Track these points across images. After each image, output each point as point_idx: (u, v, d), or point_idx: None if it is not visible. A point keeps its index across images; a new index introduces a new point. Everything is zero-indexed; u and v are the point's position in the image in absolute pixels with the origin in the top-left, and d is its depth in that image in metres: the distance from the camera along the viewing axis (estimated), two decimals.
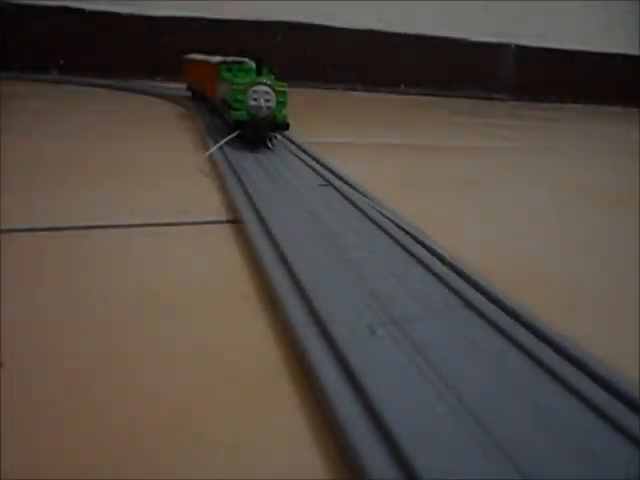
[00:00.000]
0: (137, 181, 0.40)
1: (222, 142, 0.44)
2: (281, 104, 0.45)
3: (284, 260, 0.24)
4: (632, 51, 1.78)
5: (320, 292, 0.21)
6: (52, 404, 0.15)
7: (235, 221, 0.32)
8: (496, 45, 1.64)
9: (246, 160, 0.42)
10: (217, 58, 0.63)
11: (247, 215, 0.30)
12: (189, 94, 0.91)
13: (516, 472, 0.13)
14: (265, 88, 0.44)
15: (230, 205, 0.34)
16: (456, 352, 0.18)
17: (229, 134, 0.45)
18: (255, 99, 0.44)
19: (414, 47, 1.53)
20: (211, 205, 0.35)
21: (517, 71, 1.69)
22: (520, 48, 1.67)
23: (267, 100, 0.44)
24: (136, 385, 0.17)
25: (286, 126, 0.46)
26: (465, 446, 0.14)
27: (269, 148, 0.46)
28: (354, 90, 1.49)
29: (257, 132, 0.45)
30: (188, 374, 0.17)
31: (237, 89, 0.44)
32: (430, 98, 1.51)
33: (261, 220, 0.29)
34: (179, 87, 1.13)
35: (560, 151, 0.72)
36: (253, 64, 0.53)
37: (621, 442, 0.14)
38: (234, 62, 0.57)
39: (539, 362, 0.17)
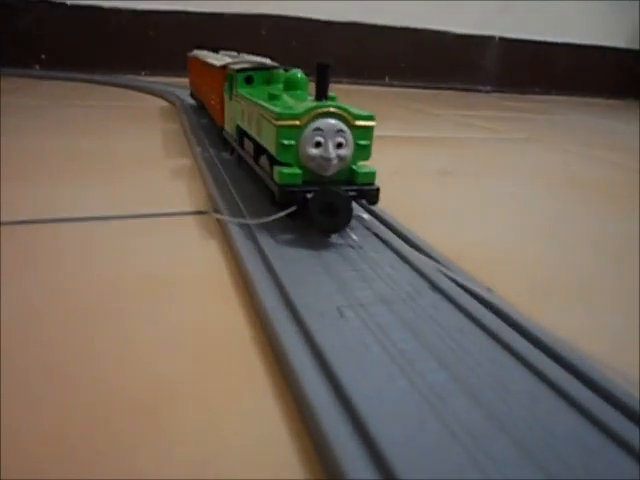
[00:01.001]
0: (116, 175, 0.40)
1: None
2: (363, 151, 0.26)
3: (260, 251, 0.25)
4: (614, 43, 1.81)
5: (292, 278, 0.22)
6: (29, 384, 0.16)
7: (214, 212, 0.32)
8: (480, 37, 1.65)
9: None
10: (227, 58, 0.47)
11: (221, 206, 0.31)
12: (176, 92, 0.90)
13: (471, 440, 0.14)
14: (336, 123, 0.25)
15: (208, 196, 0.35)
16: (419, 331, 0.19)
17: (270, 209, 0.27)
18: (319, 144, 0.25)
19: (398, 39, 1.54)
20: (190, 197, 0.35)
21: (501, 63, 1.71)
22: (504, 40, 1.69)
23: (340, 145, 0.25)
24: (109, 368, 0.17)
25: (374, 195, 0.26)
26: (424, 417, 0.15)
27: (352, 244, 0.26)
28: (339, 82, 1.49)
29: (327, 211, 0.24)
30: (161, 357, 0.18)
31: (283, 127, 0.25)
32: (414, 90, 1.52)
33: (237, 208, 0.30)
34: (164, 81, 1.12)
35: (539, 142, 0.74)
36: (283, 69, 0.37)
37: (568, 410, 0.15)
38: (256, 68, 0.36)
39: (497, 339, 0.18)
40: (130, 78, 1.18)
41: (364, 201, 0.27)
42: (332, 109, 0.25)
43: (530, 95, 1.72)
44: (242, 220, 0.27)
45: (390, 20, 1.51)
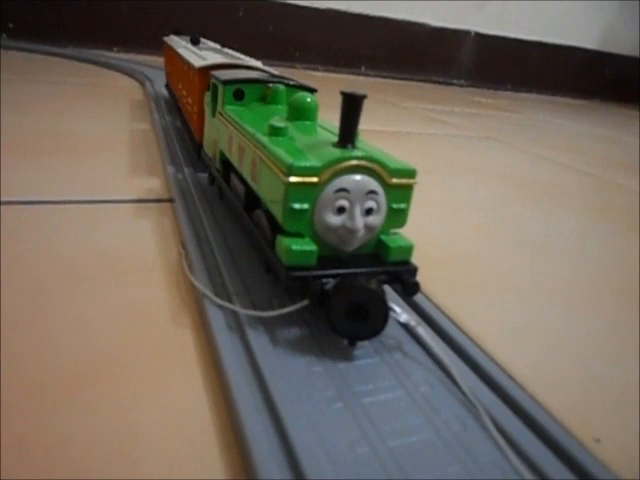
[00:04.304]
0: (75, 158, 0.41)
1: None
2: (397, 217, 0.21)
3: (207, 240, 0.27)
4: (584, 44, 1.85)
5: (230, 269, 0.23)
6: None
7: (169, 200, 0.34)
8: (456, 31, 1.67)
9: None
10: (209, 54, 0.40)
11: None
12: (146, 73, 0.89)
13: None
14: (366, 181, 0.19)
15: (166, 185, 0.36)
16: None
17: (266, 284, 0.22)
18: (342, 209, 0.19)
19: (376, 29, 1.54)
20: (147, 184, 0.37)
21: (475, 58, 1.73)
22: (479, 35, 1.71)
23: (370, 211, 0.19)
24: (52, 344, 0.19)
25: (412, 277, 0.20)
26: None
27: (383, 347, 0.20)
28: (315, 70, 1.50)
29: (353, 313, 0.18)
30: (100, 337, 0.20)
31: (295, 185, 0.19)
32: (389, 81, 1.54)
33: (190, 200, 0.31)
34: (136, 59, 1.11)
35: (498, 141, 0.77)
36: (282, 85, 0.29)
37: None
38: (250, 80, 0.29)
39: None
40: (102, 54, 1.16)
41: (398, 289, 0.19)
42: (364, 162, 0.19)
43: (502, 91, 1.75)
44: (227, 304, 0.20)
45: (369, 9, 1.51)
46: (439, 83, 1.68)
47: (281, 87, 0.29)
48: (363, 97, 0.19)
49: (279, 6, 1.42)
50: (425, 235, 0.34)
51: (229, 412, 0.17)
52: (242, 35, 1.37)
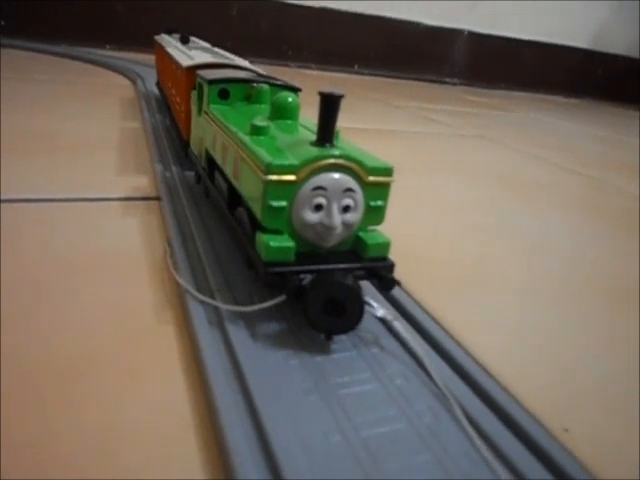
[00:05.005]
0: (64, 156, 0.41)
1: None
2: (375, 214, 0.21)
3: (192, 238, 0.27)
4: (577, 43, 1.86)
5: (213, 266, 0.24)
6: None
7: (157, 198, 0.34)
8: (449, 30, 1.68)
9: None
10: (197, 53, 0.40)
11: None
12: (139, 71, 0.90)
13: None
14: (343, 179, 0.20)
15: (154, 183, 0.36)
16: None
17: (247, 280, 0.23)
18: (320, 206, 0.19)
19: (369, 28, 1.55)
20: (135, 182, 0.37)
21: (469, 57, 1.74)
22: (473, 34, 1.72)
23: (347, 208, 0.20)
24: (33, 342, 0.19)
25: (388, 272, 0.20)
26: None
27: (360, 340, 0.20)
28: (308, 68, 1.50)
29: (330, 309, 0.19)
30: (83, 333, 0.20)
31: (273, 183, 0.19)
32: (382, 79, 1.54)
33: (177, 198, 0.32)
34: (129, 57, 1.11)
35: (489, 140, 0.77)
36: (266, 85, 0.29)
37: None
38: (234, 79, 0.30)
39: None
40: (94, 52, 1.16)
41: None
42: (341, 161, 0.19)
43: (495, 90, 1.76)
44: (209, 300, 0.21)
45: (362, 8, 1.52)
46: (432, 82, 1.68)
47: (265, 87, 0.29)
48: (340, 97, 0.19)
49: (272, 5, 1.42)
50: (410, 233, 0.35)
51: (208, 405, 0.17)
52: (236, 34, 1.37)
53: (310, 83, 1.10)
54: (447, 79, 1.74)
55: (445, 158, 0.61)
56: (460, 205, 0.43)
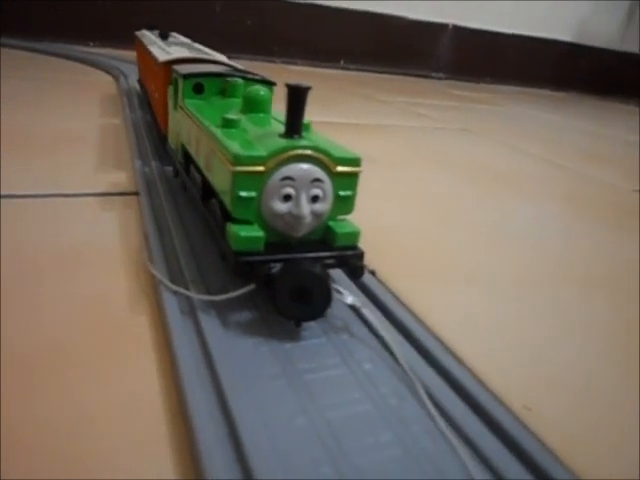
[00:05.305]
0: (44, 152, 0.41)
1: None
2: (344, 204, 0.21)
3: (168, 230, 0.27)
4: (561, 37, 1.88)
5: (188, 257, 0.24)
6: None
7: (135, 193, 0.34)
8: (434, 24, 1.68)
9: None
10: (174, 49, 0.41)
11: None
12: (122, 68, 0.89)
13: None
14: (311, 169, 0.20)
15: (133, 178, 0.36)
16: None
17: (221, 270, 0.23)
18: (288, 197, 0.20)
19: (355, 23, 1.55)
20: (114, 177, 0.37)
21: (454, 51, 1.75)
22: (458, 28, 1.73)
23: (316, 198, 0.20)
24: (14, 330, 0.19)
25: (358, 261, 0.21)
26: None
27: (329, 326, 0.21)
28: (294, 64, 1.50)
29: (298, 296, 0.19)
30: (58, 323, 0.20)
31: (241, 174, 0.19)
32: (368, 74, 1.55)
33: (155, 192, 0.32)
34: (112, 54, 1.10)
35: (473, 133, 0.78)
36: (240, 79, 0.30)
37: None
38: (208, 73, 0.30)
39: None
40: (78, 49, 1.15)
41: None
42: (308, 152, 0.19)
43: (481, 84, 1.77)
44: (182, 290, 0.21)
45: (346, 3, 1.52)
46: (418, 76, 1.69)
47: (240, 81, 0.29)
48: (307, 89, 0.20)
49: (257, 0, 1.41)
50: (386, 224, 0.35)
51: (177, 391, 0.17)
52: (220, 30, 1.37)
53: (294, 79, 1.09)
54: (433, 74, 1.74)
55: (429, 152, 0.61)
56: (438, 197, 0.44)
